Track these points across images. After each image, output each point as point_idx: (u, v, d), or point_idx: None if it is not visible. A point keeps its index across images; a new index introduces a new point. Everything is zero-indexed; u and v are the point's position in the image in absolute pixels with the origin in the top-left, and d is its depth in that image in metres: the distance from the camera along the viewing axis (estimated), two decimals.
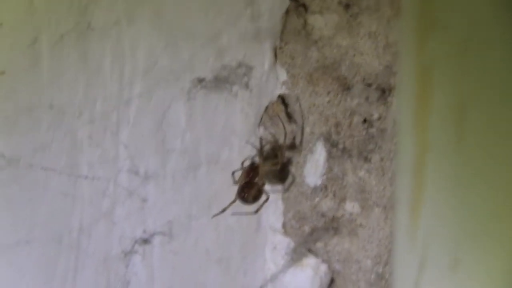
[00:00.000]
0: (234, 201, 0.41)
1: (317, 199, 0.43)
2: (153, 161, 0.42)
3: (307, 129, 0.43)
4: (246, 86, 0.42)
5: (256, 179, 0.40)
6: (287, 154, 0.42)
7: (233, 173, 0.41)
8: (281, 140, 0.42)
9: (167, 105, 0.42)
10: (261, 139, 0.42)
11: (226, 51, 0.41)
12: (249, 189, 0.40)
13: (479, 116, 0.33)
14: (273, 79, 0.42)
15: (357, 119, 0.42)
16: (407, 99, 0.37)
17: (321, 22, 0.42)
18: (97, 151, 0.42)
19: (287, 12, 0.42)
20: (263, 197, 0.41)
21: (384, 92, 0.41)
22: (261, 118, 0.42)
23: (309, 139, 0.43)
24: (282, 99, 0.42)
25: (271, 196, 0.43)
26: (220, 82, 0.42)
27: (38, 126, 0.42)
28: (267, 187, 0.42)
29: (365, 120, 0.42)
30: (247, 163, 0.42)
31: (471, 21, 0.31)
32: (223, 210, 0.41)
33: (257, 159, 0.41)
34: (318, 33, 0.42)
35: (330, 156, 0.42)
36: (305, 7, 0.42)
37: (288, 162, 0.43)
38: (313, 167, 0.42)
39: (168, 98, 0.42)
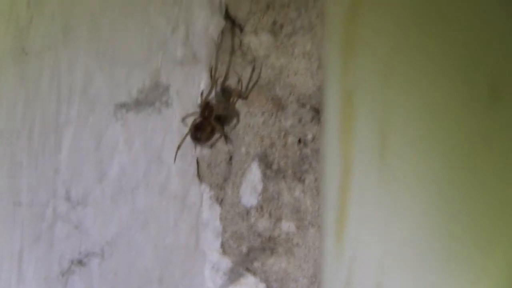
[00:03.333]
0: (186, 135, 0.41)
1: (253, 219, 0.43)
2: (90, 184, 0.42)
3: (243, 149, 0.43)
4: (182, 106, 0.42)
5: (211, 119, 0.40)
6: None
7: (183, 119, 0.41)
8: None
9: (104, 126, 0.42)
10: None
11: (160, 73, 0.42)
12: (203, 129, 0.40)
13: (401, 140, 0.33)
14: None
15: (291, 139, 0.42)
16: (333, 121, 0.37)
17: (256, 42, 0.42)
18: (35, 175, 0.43)
19: (222, 32, 0.42)
20: (217, 135, 0.41)
21: (318, 113, 0.41)
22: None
23: (244, 159, 0.43)
24: (218, 118, 0.43)
25: (210, 216, 0.43)
26: (154, 103, 0.42)
27: None
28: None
29: (299, 141, 0.42)
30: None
31: (394, 45, 0.31)
32: (179, 147, 0.41)
33: (212, 101, 0.41)
34: (253, 53, 0.42)
35: (265, 177, 0.42)
36: (240, 27, 0.42)
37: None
38: (248, 187, 0.42)
39: (105, 120, 0.42)
